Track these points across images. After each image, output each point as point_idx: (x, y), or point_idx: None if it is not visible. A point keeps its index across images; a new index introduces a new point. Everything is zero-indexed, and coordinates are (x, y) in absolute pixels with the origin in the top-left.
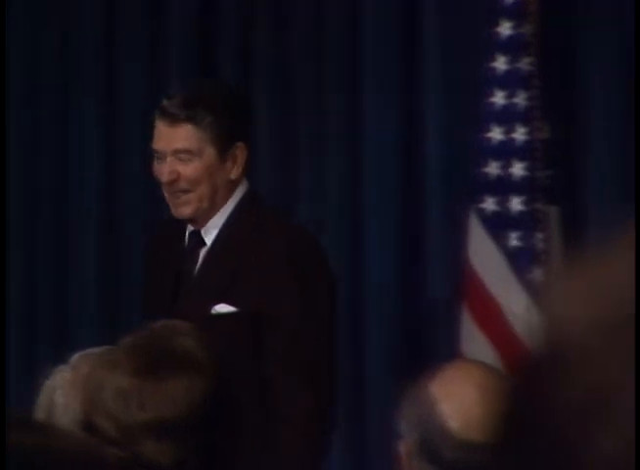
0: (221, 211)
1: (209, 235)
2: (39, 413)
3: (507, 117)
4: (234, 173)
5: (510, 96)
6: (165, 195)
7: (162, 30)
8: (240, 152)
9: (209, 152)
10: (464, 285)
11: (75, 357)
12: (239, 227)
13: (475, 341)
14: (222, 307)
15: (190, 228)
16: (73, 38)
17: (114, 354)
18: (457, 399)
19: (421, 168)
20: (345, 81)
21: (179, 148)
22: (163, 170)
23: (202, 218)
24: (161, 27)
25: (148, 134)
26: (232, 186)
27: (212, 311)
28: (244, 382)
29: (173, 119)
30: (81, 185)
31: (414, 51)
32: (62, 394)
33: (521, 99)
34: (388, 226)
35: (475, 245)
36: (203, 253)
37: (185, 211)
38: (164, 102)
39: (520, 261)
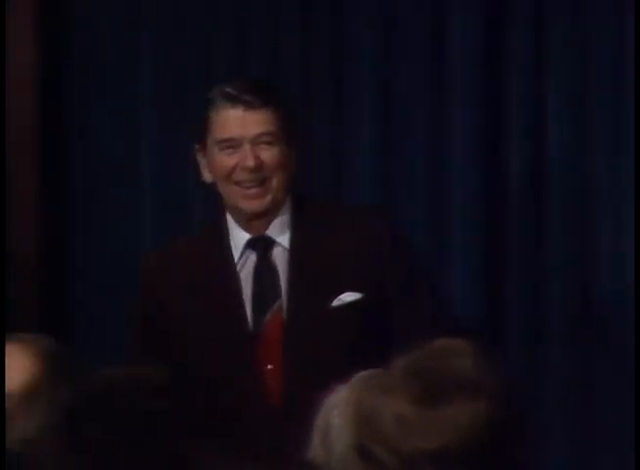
0: (283, 209)
1: (280, 236)
2: (316, 433)
3: None
4: (294, 170)
5: None
6: (228, 190)
7: None
8: (296, 147)
9: (283, 140)
10: None
11: (356, 377)
12: (316, 220)
13: None
14: (348, 296)
15: (243, 237)
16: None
17: (391, 378)
18: None
19: None
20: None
21: (262, 132)
22: (246, 157)
23: (268, 218)
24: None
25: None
26: (290, 184)
27: (337, 302)
28: None
29: (250, 105)
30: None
31: None
32: (338, 414)
33: None
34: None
35: None
36: (281, 254)
37: (259, 205)
38: (229, 90)
39: None
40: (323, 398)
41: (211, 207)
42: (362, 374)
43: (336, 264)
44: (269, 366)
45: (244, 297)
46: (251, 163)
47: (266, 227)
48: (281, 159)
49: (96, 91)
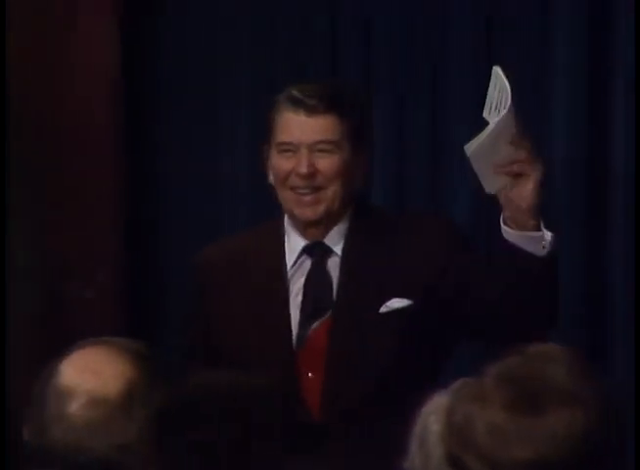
0: (344, 218)
1: (336, 244)
2: (414, 441)
3: None
4: (360, 180)
5: None
6: (284, 195)
7: None
8: (366, 157)
9: (347, 148)
10: None
11: (456, 383)
12: (374, 229)
13: None
14: (395, 302)
15: (299, 243)
16: None
17: (483, 385)
18: None
19: None
20: None
21: (320, 139)
22: (301, 163)
23: (324, 225)
24: None
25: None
26: (353, 194)
27: (384, 309)
28: None
29: (313, 110)
30: None
31: None
32: (435, 420)
33: None
34: None
35: None
36: (334, 262)
37: (313, 213)
38: (294, 92)
39: None
40: (421, 405)
41: None
42: (458, 382)
43: (388, 272)
44: (310, 374)
45: (292, 302)
46: (303, 169)
47: (324, 235)
48: (340, 168)
49: (178, 91)
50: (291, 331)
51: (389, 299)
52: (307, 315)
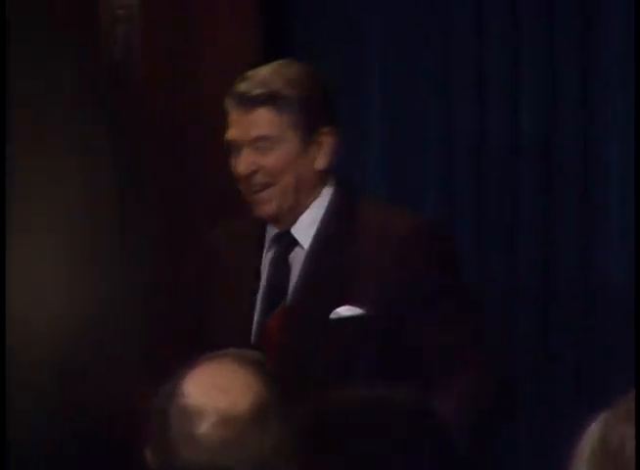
0: (313, 206)
1: (303, 235)
2: (579, 461)
3: None
4: (320, 163)
5: None
6: (244, 193)
7: None
8: (326, 138)
9: (291, 138)
10: None
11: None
12: (344, 221)
13: None
14: (346, 310)
15: (272, 230)
16: None
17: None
18: None
19: None
20: None
21: (256, 136)
22: (239, 163)
23: (288, 217)
24: None
25: None
26: (320, 178)
27: (333, 315)
28: None
29: (248, 104)
30: None
31: None
32: (593, 442)
33: None
34: None
35: None
36: (299, 254)
37: (268, 209)
38: (238, 85)
39: None
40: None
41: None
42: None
43: (348, 274)
44: None
45: (260, 293)
46: (239, 170)
47: (292, 223)
48: (285, 162)
49: None
50: (251, 323)
51: (343, 304)
52: (266, 307)
